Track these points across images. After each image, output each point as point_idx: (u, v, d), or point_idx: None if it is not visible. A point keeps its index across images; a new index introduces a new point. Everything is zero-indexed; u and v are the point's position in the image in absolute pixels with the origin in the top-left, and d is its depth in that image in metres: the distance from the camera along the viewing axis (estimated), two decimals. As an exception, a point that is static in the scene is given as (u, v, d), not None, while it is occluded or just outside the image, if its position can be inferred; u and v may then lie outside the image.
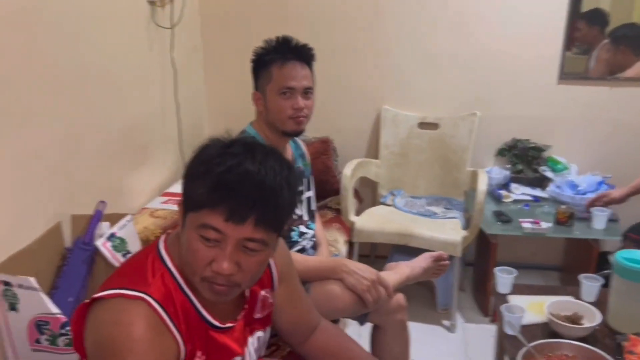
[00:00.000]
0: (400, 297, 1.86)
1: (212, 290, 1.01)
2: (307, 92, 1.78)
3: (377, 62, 3.01)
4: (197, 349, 1.05)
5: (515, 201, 2.83)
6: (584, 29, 2.84)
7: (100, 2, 2.05)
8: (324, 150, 2.93)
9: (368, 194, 3.14)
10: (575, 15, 2.79)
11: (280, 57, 1.73)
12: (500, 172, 2.95)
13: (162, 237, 1.11)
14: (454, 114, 2.95)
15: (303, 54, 1.77)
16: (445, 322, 2.71)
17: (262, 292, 1.22)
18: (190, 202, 0.99)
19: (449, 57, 2.94)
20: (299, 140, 2.01)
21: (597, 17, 2.80)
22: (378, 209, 2.90)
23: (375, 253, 3.12)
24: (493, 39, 2.88)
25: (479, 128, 2.91)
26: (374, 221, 2.70)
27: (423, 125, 3.00)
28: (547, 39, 2.84)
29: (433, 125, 2.99)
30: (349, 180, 2.65)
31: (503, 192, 2.86)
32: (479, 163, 3.01)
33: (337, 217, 2.71)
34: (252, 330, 1.20)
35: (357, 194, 3.12)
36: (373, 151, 3.09)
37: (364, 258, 2.75)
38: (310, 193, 1.98)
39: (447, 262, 1.98)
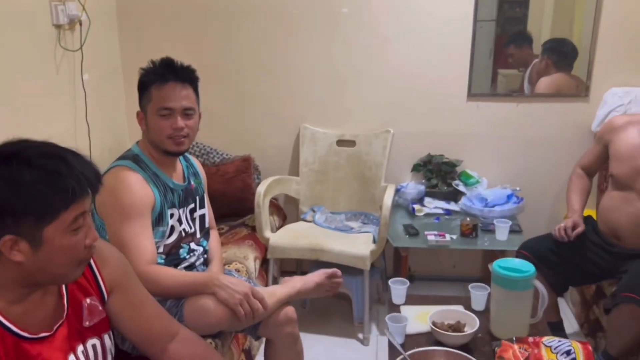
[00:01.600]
0: (289, 310, 1.90)
1: (87, 260, 1.18)
2: (188, 112, 1.82)
3: (295, 82, 3.09)
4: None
5: (428, 215, 2.92)
6: (514, 51, 2.98)
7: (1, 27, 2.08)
8: (244, 168, 2.98)
9: (293, 211, 3.19)
10: (501, 37, 2.95)
11: (159, 78, 1.78)
12: (415, 187, 3.03)
13: None
14: (369, 131, 3.03)
15: (184, 75, 1.82)
16: (360, 335, 2.76)
17: (87, 300, 1.25)
18: (47, 215, 1.06)
19: (362, 76, 3.03)
20: (192, 158, 2.05)
21: (524, 38, 2.96)
22: (297, 225, 2.95)
23: (301, 269, 3.17)
24: (405, 58, 2.98)
25: (394, 144, 3.00)
26: (288, 237, 2.75)
27: (341, 142, 3.07)
28: (456, 59, 2.95)
29: (350, 143, 3.06)
30: (262, 197, 2.70)
31: (417, 206, 2.94)
32: (395, 178, 3.09)
33: (251, 234, 2.75)
34: (83, 338, 1.22)
35: (281, 211, 3.17)
36: (294, 168, 3.15)
37: (289, 274, 2.78)
38: (204, 210, 2.02)
39: (340, 279, 2.03)
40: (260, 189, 2.72)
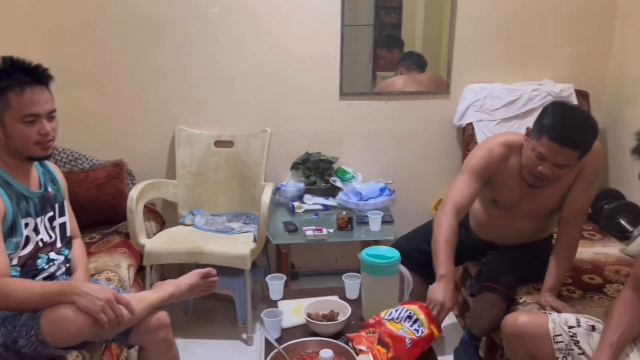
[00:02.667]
0: (161, 315, 1.85)
1: None
2: (52, 114, 1.74)
3: (168, 83, 3.01)
4: None
5: (307, 211, 2.98)
6: (385, 54, 3.12)
7: None
8: (116, 173, 2.85)
9: (171, 215, 3.11)
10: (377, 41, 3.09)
11: (17, 82, 1.66)
12: (294, 185, 3.08)
13: None
14: (246, 131, 3.03)
15: (40, 77, 1.72)
16: (244, 336, 2.75)
17: None
18: None
19: (237, 75, 3.02)
20: (49, 164, 1.94)
21: (393, 42, 3.11)
22: (175, 230, 2.88)
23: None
24: (278, 58, 3.02)
25: (272, 144, 3.02)
26: (165, 242, 2.68)
27: (219, 143, 3.05)
28: (327, 59, 3.04)
29: (228, 143, 3.05)
30: (135, 202, 2.61)
31: (296, 204, 2.99)
32: (276, 177, 3.13)
33: (125, 242, 2.64)
34: None
35: (158, 216, 3.08)
36: (171, 171, 3.08)
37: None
38: (65, 218, 1.91)
39: (215, 278, 2.01)
40: (133, 194, 2.63)
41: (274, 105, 3.09)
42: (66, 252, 1.88)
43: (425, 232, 2.40)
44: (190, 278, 1.96)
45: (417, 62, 3.17)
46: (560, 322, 1.71)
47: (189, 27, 2.95)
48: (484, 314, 2.24)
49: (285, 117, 3.10)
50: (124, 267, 2.42)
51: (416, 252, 2.29)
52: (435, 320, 1.79)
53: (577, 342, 1.66)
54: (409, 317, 1.75)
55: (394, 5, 3.08)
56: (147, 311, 1.79)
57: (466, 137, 3.07)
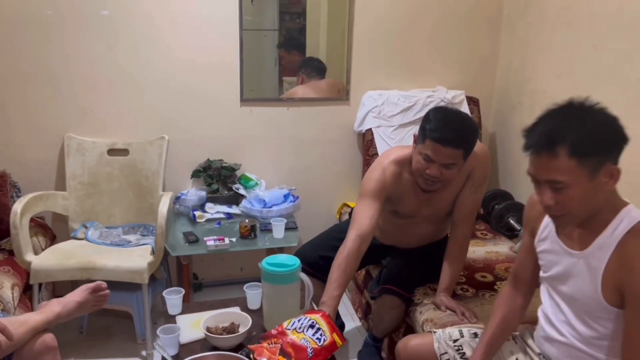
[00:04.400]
0: (47, 338, 1.71)
1: None
2: None
3: (56, 88, 2.83)
4: None
5: (209, 220, 2.91)
6: (285, 57, 3.10)
7: None
8: (-2, 186, 2.64)
9: (63, 229, 2.92)
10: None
11: None
12: (196, 194, 2.99)
13: None
14: (142, 138, 2.91)
15: None
16: (143, 353, 2.64)
17: None
18: None
19: (131, 80, 2.90)
20: None
21: (293, 45, 3.11)
22: (66, 244, 2.71)
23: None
24: (174, 63, 2.93)
25: (170, 151, 2.92)
26: (54, 258, 2.50)
27: (112, 152, 2.90)
28: (226, 65, 2.98)
29: (123, 152, 2.91)
30: (19, 217, 2.41)
31: (197, 213, 2.91)
32: (176, 186, 3.03)
33: (9, 259, 2.45)
34: None
35: (48, 230, 2.88)
36: (61, 183, 2.89)
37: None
38: None
39: (106, 292, 1.91)
40: (17, 207, 2.43)
41: (171, 112, 2.99)
42: None
43: (327, 239, 2.43)
44: (77, 295, 1.84)
45: (317, 69, 3.20)
46: (445, 338, 1.77)
47: (78, 30, 2.78)
48: (384, 315, 2.29)
49: (184, 124, 3.02)
50: (7, 287, 2.23)
51: (319, 259, 2.29)
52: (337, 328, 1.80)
53: (463, 354, 1.72)
54: (312, 326, 1.74)
55: (299, 10, 3.09)
56: (30, 335, 1.65)
57: (366, 142, 3.14)
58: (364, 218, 2.06)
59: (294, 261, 1.95)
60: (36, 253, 2.54)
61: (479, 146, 2.13)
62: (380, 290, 2.28)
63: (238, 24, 2.93)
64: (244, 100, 3.05)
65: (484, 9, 3.22)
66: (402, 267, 2.30)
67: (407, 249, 2.39)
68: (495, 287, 2.29)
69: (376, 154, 3.00)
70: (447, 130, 1.96)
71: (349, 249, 1.99)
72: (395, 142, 3.02)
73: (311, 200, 3.18)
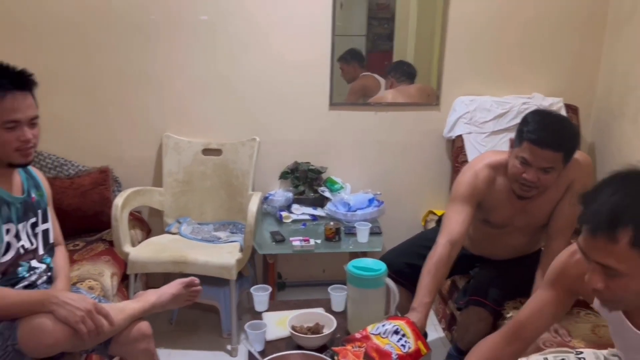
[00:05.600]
0: (143, 326, 1.82)
1: None
2: (33, 121, 1.71)
3: (157, 89, 2.98)
4: None
5: (295, 221, 2.95)
6: (343, 66, 3.09)
7: None
8: (102, 180, 2.81)
9: (158, 223, 3.07)
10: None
11: None
12: (283, 195, 3.05)
13: None
14: (235, 139, 3.01)
15: (24, 82, 1.69)
16: (228, 347, 2.72)
17: None
18: None
19: (226, 83, 3.00)
20: (33, 169, 1.90)
21: (353, 55, 3.09)
22: (160, 238, 2.84)
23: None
24: (267, 67, 3.00)
25: (260, 153, 3.00)
26: (149, 251, 2.64)
27: (206, 151, 3.02)
28: (317, 69, 3.02)
29: (216, 152, 3.02)
30: (120, 210, 2.57)
31: (284, 214, 2.96)
32: (264, 187, 3.10)
33: (109, 250, 2.60)
34: None
35: (144, 224, 3.04)
36: (158, 179, 3.04)
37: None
38: (47, 225, 1.88)
39: (199, 287, 1.98)
40: (118, 201, 2.59)
41: (263, 114, 3.07)
42: (48, 260, 1.84)
43: (413, 246, 2.39)
44: (173, 287, 1.93)
45: (407, 73, 3.17)
46: None
47: (178, 34, 2.92)
48: (470, 327, 2.22)
49: (274, 126, 3.09)
50: (107, 275, 2.38)
51: (405, 266, 2.26)
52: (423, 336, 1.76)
53: None
54: (396, 332, 1.72)
55: (387, 16, 3.08)
56: (128, 322, 1.75)
57: (455, 149, 3.07)
58: (455, 223, 2.01)
59: (380, 266, 1.94)
60: (133, 245, 2.69)
61: (582, 156, 2.02)
62: (467, 301, 2.22)
63: (330, 29, 2.97)
64: (333, 104, 3.08)
65: (585, 11, 3.05)
66: (492, 279, 2.22)
67: (497, 260, 2.31)
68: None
69: (466, 161, 2.93)
70: (546, 132, 1.88)
71: (439, 255, 1.94)
72: (487, 149, 2.93)
73: (396, 206, 3.15)
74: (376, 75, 3.14)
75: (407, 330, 1.74)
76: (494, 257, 2.33)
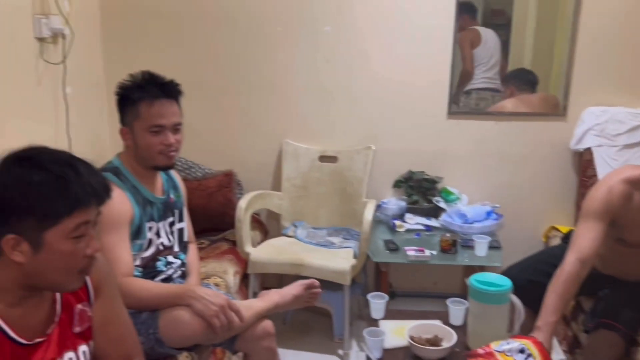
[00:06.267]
0: (267, 324, 1.90)
1: (87, 271, 1.17)
2: (177, 127, 1.85)
3: (278, 97, 3.11)
4: None
5: (408, 230, 2.93)
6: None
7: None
8: (226, 183, 2.98)
9: (275, 226, 3.19)
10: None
11: (148, 95, 1.79)
12: (396, 203, 3.05)
13: None
14: (350, 147, 3.06)
15: (171, 91, 1.84)
16: (340, 352, 2.75)
17: (79, 306, 1.24)
18: (49, 218, 1.08)
19: (344, 92, 3.06)
20: (172, 172, 2.05)
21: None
22: (278, 240, 2.95)
23: (282, 286, 3.12)
24: (386, 76, 3.02)
25: (375, 161, 3.03)
26: (268, 252, 2.74)
27: (323, 158, 3.09)
28: (436, 77, 3.00)
29: (332, 159, 3.08)
30: (243, 212, 2.70)
31: (397, 222, 2.96)
32: (377, 194, 3.11)
33: (232, 249, 2.74)
34: (74, 345, 1.22)
35: (262, 226, 3.17)
36: (276, 184, 3.16)
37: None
38: (183, 224, 2.02)
39: (318, 290, 2.03)
40: (242, 203, 2.72)
41: (379, 122, 3.09)
42: (182, 256, 1.98)
43: (537, 263, 2.29)
44: (294, 289, 2.00)
45: (528, 82, 3.04)
46: None
47: (301, 44, 3.03)
48: (598, 353, 2.08)
49: (389, 135, 3.09)
50: (230, 273, 2.50)
51: (528, 283, 2.17)
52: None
53: None
54: (522, 351, 1.66)
55: (502, 22, 2.99)
56: (254, 319, 1.83)
57: (583, 162, 2.90)
58: (586, 240, 1.90)
59: (505, 282, 1.88)
60: (253, 246, 2.81)
61: None
62: (596, 323, 2.08)
63: (452, 37, 2.93)
64: (452, 113, 3.03)
65: None
66: (625, 301, 2.07)
67: (630, 281, 2.15)
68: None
69: (595, 176, 2.76)
70: None
71: (567, 273, 1.84)
72: (619, 163, 2.74)
73: (515, 220, 3.03)
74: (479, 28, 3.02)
75: (534, 350, 1.68)
76: (626, 277, 2.17)
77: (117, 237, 1.70)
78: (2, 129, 2.24)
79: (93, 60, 2.99)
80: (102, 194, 1.14)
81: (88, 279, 1.27)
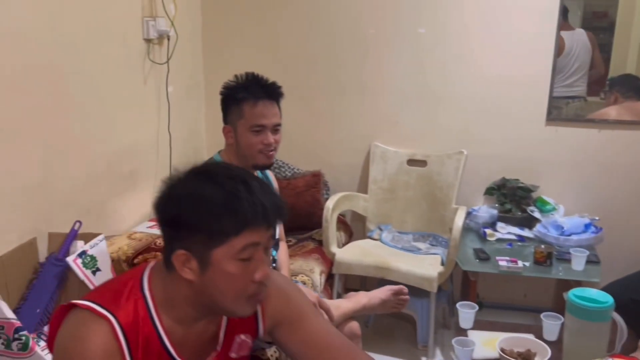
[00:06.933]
0: (354, 325, 1.89)
1: (256, 298, 1.09)
2: (276, 127, 1.90)
3: (368, 100, 3.11)
4: None
5: (500, 240, 2.84)
6: None
7: (97, 40, 2.25)
8: (314, 183, 3.02)
9: (360, 228, 3.19)
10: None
11: (252, 95, 1.85)
12: (487, 211, 2.96)
13: (148, 267, 1.13)
14: (441, 151, 3.00)
15: (273, 93, 1.89)
16: (423, 359, 2.70)
17: (242, 336, 1.21)
18: (217, 235, 1.02)
19: (436, 94, 3.02)
20: (267, 171, 2.10)
21: None
22: (363, 243, 2.95)
23: (365, 288, 3.14)
24: (481, 79, 2.95)
25: (467, 166, 2.95)
26: (354, 253, 2.75)
27: (411, 162, 3.06)
28: (535, 82, 2.89)
29: (421, 162, 3.04)
30: (330, 212, 2.72)
31: (488, 231, 2.86)
32: (467, 201, 3.03)
33: (318, 248, 2.77)
34: None
35: (348, 227, 3.18)
36: (363, 186, 3.16)
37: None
38: (276, 221, 2.06)
39: (406, 296, 2.01)
40: (329, 204, 2.75)
41: (471, 127, 3.01)
42: (274, 253, 2.03)
43: None
44: (383, 293, 1.98)
45: (635, 88, 2.86)
46: None
47: (394, 46, 3.01)
48: None
49: (483, 139, 3.01)
50: (316, 272, 2.53)
51: (631, 302, 2.04)
52: None
53: None
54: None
55: (604, 25, 2.83)
56: (341, 319, 1.84)
57: (696, 175, 2.69)
58: None
59: (606, 298, 1.76)
60: (338, 246, 2.82)
61: None
62: None
63: (554, 40, 2.81)
64: (550, 119, 2.90)
65: None
66: None
67: None
68: None
69: None
70: None
71: None
72: None
73: (616, 234, 2.85)
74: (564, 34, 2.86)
75: None
76: None
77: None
78: (113, 124, 2.40)
79: (194, 61, 3.13)
80: (272, 216, 1.05)
81: (260, 312, 1.20)
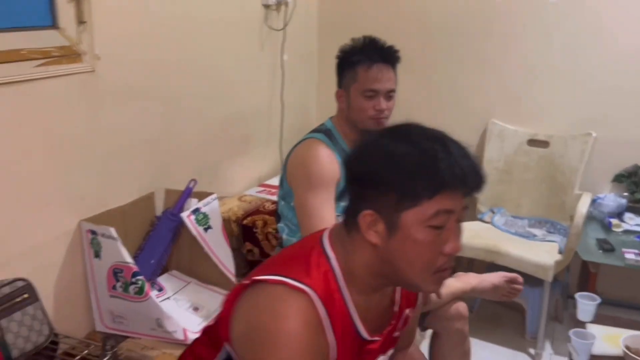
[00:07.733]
0: (460, 306, 1.80)
1: (444, 274, 1.00)
2: (390, 94, 1.83)
3: (487, 74, 2.94)
4: (347, 357, 1.01)
5: (627, 232, 2.59)
6: None
7: (217, 4, 2.30)
8: (424, 159, 2.92)
9: (470, 210, 3.04)
10: None
11: (367, 58, 1.79)
12: (615, 200, 2.70)
13: (326, 234, 1.07)
14: (565, 132, 2.77)
15: (389, 57, 1.82)
16: (532, 351, 2.55)
17: (407, 311, 1.17)
18: (409, 197, 0.94)
19: (564, 71, 2.78)
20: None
21: None
22: (473, 225, 2.81)
23: (472, 271, 3.01)
24: (617, 55, 2.67)
25: (594, 150, 2.71)
26: (464, 235, 2.62)
27: (532, 142, 2.86)
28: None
29: (543, 143, 2.83)
30: (440, 189, 2.61)
31: (614, 221, 2.62)
32: (591, 187, 2.78)
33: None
34: (386, 348, 1.15)
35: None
36: (477, 165, 3.00)
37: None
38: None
39: (520, 286, 1.88)
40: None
41: (602, 106, 2.75)
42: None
43: None
44: (495, 278, 1.86)
45: None
46: None
47: (521, 18, 2.81)
48: None
49: (614, 122, 2.74)
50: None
51: None
52: None
53: None
54: None
55: None
56: (449, 298, 1.75)
57: None
58: None
59: None
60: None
61: None
62: None
63: None
64: (699, 101, 2.58)
65: None
66: None
67: None
68: None
69: None
70: None
71: None
72: None
73: None
74: None
75: None
76: None
77: (324, 197, 1.74)
78: (230, 87, 2.46)
79: (309, 30, 3.12)
80: (471, 182, 0.96)
81: None
